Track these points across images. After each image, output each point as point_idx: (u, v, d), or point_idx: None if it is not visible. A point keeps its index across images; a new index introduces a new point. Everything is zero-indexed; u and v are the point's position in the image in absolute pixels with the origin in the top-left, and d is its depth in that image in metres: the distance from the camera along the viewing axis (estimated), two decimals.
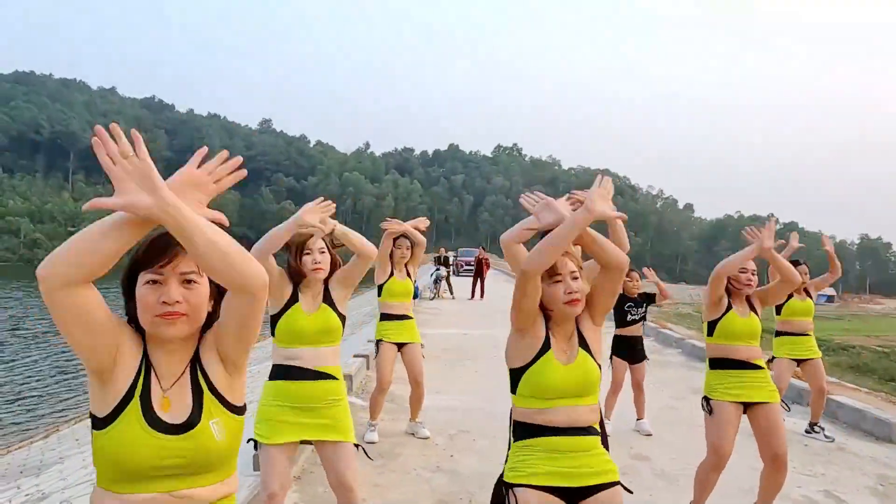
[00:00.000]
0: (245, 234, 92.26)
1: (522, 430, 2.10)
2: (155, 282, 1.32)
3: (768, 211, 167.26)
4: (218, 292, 1.40)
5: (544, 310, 2.12)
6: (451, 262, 20.76)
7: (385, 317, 5.19)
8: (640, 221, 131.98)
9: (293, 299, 2.88)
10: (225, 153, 1.39)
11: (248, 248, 2.69)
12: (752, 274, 3.46)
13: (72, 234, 1.24)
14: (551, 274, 2.07)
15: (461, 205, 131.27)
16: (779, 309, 5.56)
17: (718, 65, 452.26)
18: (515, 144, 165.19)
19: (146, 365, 1.34)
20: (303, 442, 2.93)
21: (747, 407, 3.50)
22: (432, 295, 19.35)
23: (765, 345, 4.02)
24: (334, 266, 2.97)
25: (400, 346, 5.22)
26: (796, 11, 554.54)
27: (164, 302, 1.30)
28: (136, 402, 1.30)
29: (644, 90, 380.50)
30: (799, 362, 5.64)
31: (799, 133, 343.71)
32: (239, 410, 1.40)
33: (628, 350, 5.73)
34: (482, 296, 19.65)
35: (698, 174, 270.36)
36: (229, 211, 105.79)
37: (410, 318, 5.26)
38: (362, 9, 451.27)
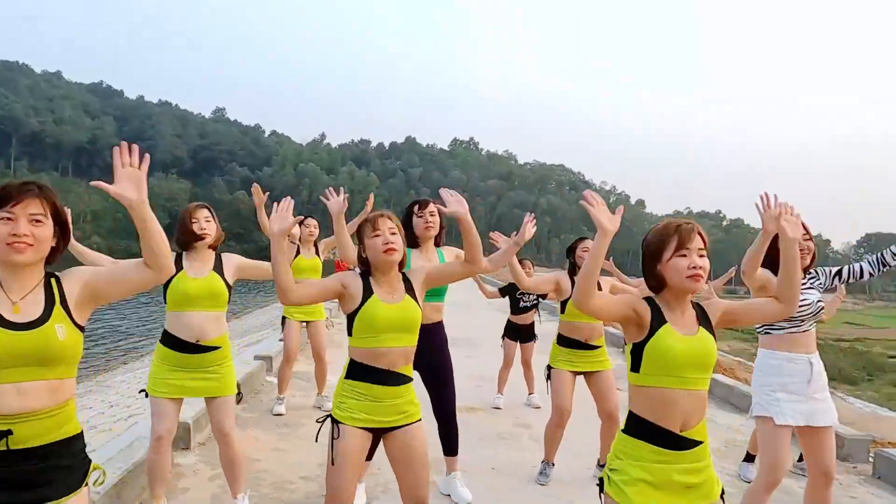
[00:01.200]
0: None
1: (354, 370, 2.51)
2: (8, 219, 1.74)
3: (716, 207, 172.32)
4: (61, 234, 1.86)
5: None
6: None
7: None
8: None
9: (178, 267, 3.22)
10: (124, 145, 1.82)
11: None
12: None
13: None
14: (373, 230, 2.50)
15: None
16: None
17: (670, 63, 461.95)
18: (472, 138, 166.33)
19: None
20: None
21: (586, 375, 4.10)
22: None
23: None
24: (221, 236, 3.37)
25: (307, 322, 5.68)
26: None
27: (13, 234, 1.73)
28: None
29: (597, 88, 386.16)
30: None
31: (747, 131, 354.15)
32: (80, 329, 1.84)
33: (519, 332, 6.31)
34: None
35: (650, 170, 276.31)
36: (181, 200, 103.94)
37: None
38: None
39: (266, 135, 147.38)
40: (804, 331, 3.11)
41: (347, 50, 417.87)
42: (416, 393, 2.63)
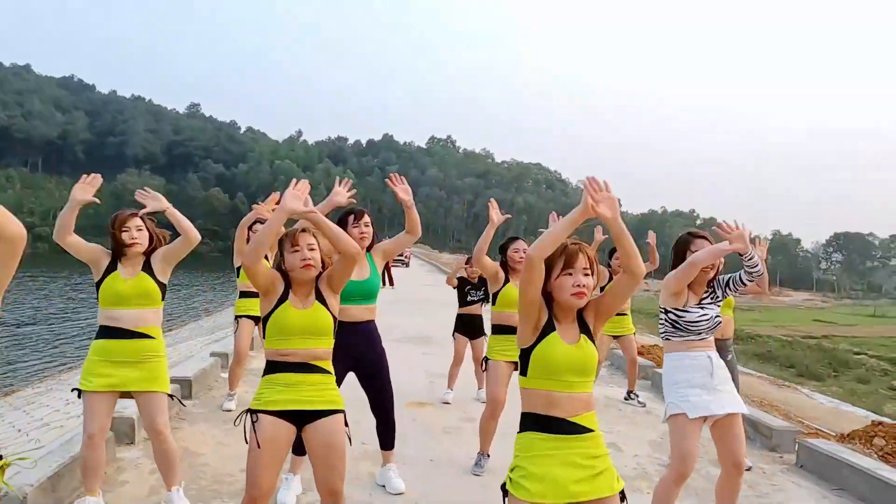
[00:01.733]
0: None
1: (269, 367, 2.67)
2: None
3: (690, 207, 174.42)
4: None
5: None
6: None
7: (243, 294, 5.71)
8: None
9: (112, 268, 3.35)
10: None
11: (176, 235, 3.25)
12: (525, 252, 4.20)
13: None
14: (292, 245, 2.67)
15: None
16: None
17: (646, 62, 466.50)
18: (450, 136, 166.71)
19: None
20: (123, 395, 3.44)
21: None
22: None
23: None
24: (158, 241, 3.47)
25: (257, 320, 5.76)
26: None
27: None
28: None
29: (573, 88, 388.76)
30: (616, 337, 6.53)
31: (720, 133, 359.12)
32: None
33: (468, 327, 6.46)
34: (391, 283, 20.29)
35: (627, 169, 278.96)
36: None
37: None
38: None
39: (242, 131, 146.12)
40: (702, 339, 3.28)
41: (326, 47, 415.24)
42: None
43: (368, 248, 3.88)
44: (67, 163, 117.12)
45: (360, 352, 3.73)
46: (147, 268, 3.42)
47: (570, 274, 2.16)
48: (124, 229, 3.34)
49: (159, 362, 3.42)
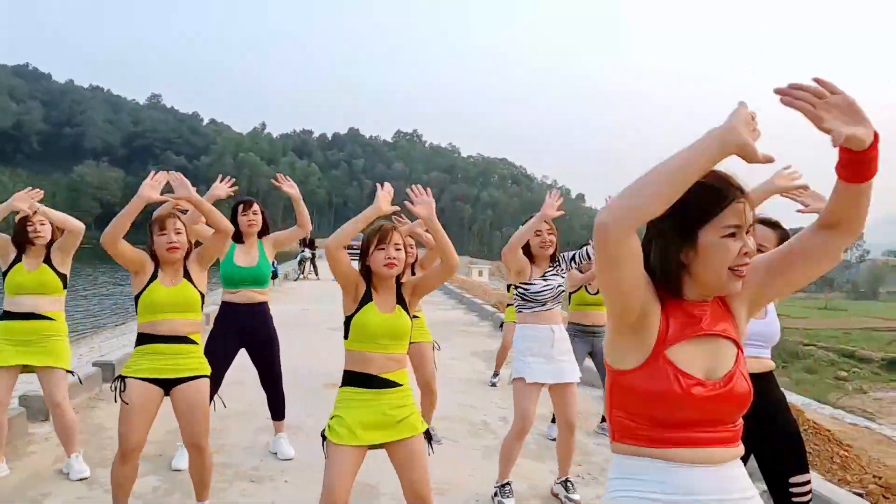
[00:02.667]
0: None
1: (140, 339, 2.99)
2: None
3: None
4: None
5: (155, 256, 2.99)
6: (316, 245, 21.17)
7: None
8: (535, 210, 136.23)
9: (17, 259, 3.72)
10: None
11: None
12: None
13: None
14: (160, 230, 2.96)
15: (360, 189, 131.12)
16: (510, 287, 6.87)
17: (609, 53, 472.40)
18: (416, 131, 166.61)
19: None
20: (24, 370, 3.75)
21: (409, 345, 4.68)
22: (297, 276, 20.00)
23: None
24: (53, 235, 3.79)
25: None
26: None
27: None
28: None
29: (539, 79, 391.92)
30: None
31: (679, 127, 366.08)
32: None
33: None
34: (317, 275, 20.29)
35: (589, 163, 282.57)
36: (112, 189, 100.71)
37: None
38: None
39: (204, 123, 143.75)
40: (548, 309, 3.72)
41: (290, 38, 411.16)
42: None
43: (261, 236, 4.22)
44: (23, 154, 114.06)
45: (251, 331, 4.09)
46: (48, 259, 3.76)
47: (383, 249, 2.54)
48: (29, 224, 3.67)
49: (60, 343, 3.75)
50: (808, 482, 2.53)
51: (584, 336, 5.12)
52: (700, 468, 1.33)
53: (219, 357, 3.80)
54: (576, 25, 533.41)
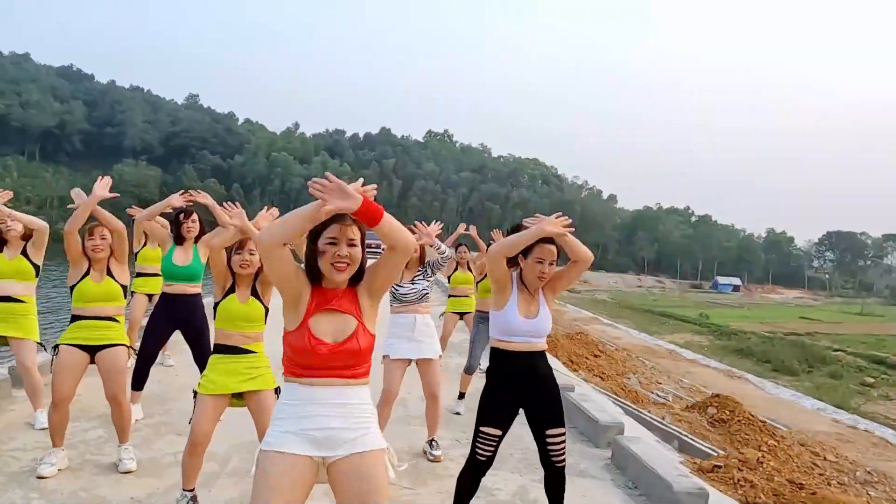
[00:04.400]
0: (166, 212, 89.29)
1: (73, 318, 3.98)
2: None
3: (685, 204, 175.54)
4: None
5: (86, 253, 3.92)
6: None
7: (139, 274, 6.84)
8: (564, 210, 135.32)
9: None
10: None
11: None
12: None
13: None
14: (89, 236, 3.88)
15: (390, 189, 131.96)
16: (450, 278, 7.58)
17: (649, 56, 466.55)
18: (447, 130, 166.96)
19: None
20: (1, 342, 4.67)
21: None
22: None
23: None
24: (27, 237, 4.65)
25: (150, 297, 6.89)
26: None
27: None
28: None
29: (574, 80, 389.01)
30: (461, 315, 7.51)
31: (716, 133, 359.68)
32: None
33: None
34: None
35: (625, 164, 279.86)
36: (150, 187, 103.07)
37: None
38: None
39: (239, 123, 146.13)
40: (414, 305, 4.52)
41: (324, 39, 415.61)
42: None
43: (196, 240, 5.05)
44: (65, 152, 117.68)
45: (185, 318, 4.87)
46: (24, 251, 4.62)
47: (239, 254, 3.42)
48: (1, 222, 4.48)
49: (30, 320, 4.68)
50: (562, 435, 3.13)
51: (487, 322, 5.65)
52: (319, 388, 2.14)
53: (155, 336, 4.93)
54: (603, 14, 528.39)
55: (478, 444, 3.11)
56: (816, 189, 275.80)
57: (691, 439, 7.09)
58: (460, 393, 6.19)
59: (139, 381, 5.04)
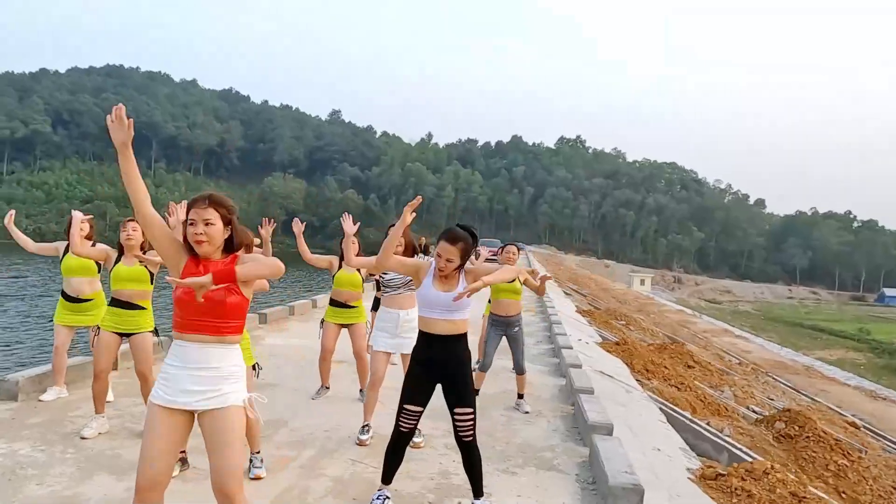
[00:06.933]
0: (310, 220, 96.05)
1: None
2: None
3: (845, 208, 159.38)
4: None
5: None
6: (430, 252, 21.25)
7: (333, 302, 6.20)
8: (705, 216, 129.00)
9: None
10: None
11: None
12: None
13: None
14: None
15: (521, 196, 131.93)
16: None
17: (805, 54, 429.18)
18: (579, 136, 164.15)
19: None
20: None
21: (348, 327, 6.01)
22: None
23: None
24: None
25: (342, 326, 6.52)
26: None
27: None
28: None
29: (711, 80, 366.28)
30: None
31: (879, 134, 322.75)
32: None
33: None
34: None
35: (774, 166, 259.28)
36: (295, 198, 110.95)
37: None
38: (427, 5, 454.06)
39: (377, 136, 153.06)
40: (398, 293, 4.86)
41: (459, 49, 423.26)
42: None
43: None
44: (224, 167, 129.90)
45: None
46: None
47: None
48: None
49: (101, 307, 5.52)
50: (469, 414, 3.44)
51: (498, 324, 6.12)
52: (192, 345, 2.55)
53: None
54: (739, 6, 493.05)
55: (401, 419, 3.52)
56: None
57: (743, 452, 6.85)
58: (476, 390, 6.43)
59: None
